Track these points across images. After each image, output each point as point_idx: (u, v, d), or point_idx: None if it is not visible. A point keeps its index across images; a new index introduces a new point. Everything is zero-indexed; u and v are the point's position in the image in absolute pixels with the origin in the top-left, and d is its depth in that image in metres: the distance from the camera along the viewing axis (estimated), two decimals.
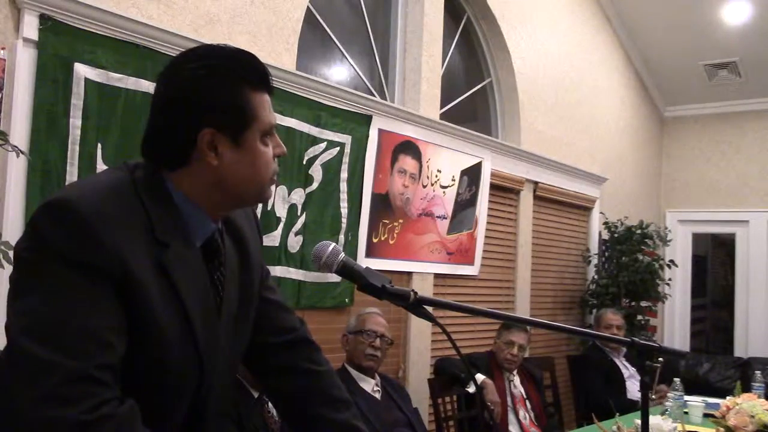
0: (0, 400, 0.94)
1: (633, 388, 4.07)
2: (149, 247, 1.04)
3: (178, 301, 1.06)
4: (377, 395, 2.85)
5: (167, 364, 1.06)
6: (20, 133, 2.16)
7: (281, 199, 3.01)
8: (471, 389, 3.40)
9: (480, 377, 3.33)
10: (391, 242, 3.61)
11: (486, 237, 4.31)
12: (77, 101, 2.27)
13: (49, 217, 0.99)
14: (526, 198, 4.78)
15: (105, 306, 0.98)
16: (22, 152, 1.98)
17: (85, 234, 0.97)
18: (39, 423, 0.90)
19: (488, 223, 4.33)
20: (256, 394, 2.35)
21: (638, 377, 3.82)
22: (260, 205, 2.88)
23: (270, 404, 2.34)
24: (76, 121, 2.27)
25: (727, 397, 2.87)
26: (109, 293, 0.99)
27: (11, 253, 1.88)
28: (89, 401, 0.92)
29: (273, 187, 1.21)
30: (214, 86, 1.07)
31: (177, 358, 1.07)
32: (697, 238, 6.89)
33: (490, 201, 4.32)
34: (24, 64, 2.19)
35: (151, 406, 1.04)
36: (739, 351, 6.38)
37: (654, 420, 2.58)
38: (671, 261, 5.71)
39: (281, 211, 3.01)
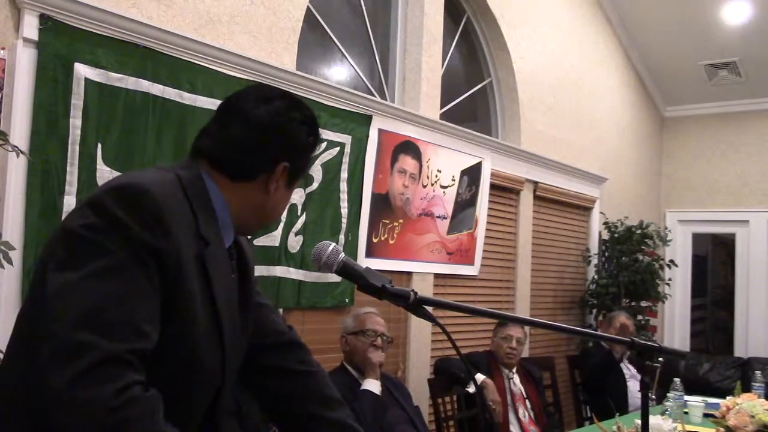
0: (28, 377, 0.94)
1: (634, 389, 4.06)
2: (194, 242, 1.08)
3: (211, 298, 1.10)
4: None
5: (202, 362, 1.10)
6: (20, 133, 2.16)
7: None
8: (471, 389, 3.40)
9: (480, 377, 3.33)
10: (391, 242, 3.61)
11: (486, 237, 4.31)
12: (77, 101, 2.27)
13: (122, 199, 1.01)
14: (526, 198, 4.78)
15: (151, 297, 1.01)
16: (22, 152, 1.98)
17: (158, 219, 1.02)
18: (68, 403, 0.91)
19: (488, 223, 4.33)
20: None
21: (639, 378, 3.81)
22: None
23: None
24: (76, 121, 2.27)
25: (727, 397, 2.87)
26: (157, 285, 1.01)
27: (11, 253, 1.88)
28: (118, 382, 0.93)
29: None
30: (303, 134, 1.22)
31: (208, 356, 1.11)
32: (697, 238, 6.88)
33: (490, 201, 4.32)
34: (24, 64, 2.19)
35: (180, 404, 1.07)
36: (739, 351, 6.38)
37: (654, 420, 2.58)
38: (671, 261, 5.71)
39: None
